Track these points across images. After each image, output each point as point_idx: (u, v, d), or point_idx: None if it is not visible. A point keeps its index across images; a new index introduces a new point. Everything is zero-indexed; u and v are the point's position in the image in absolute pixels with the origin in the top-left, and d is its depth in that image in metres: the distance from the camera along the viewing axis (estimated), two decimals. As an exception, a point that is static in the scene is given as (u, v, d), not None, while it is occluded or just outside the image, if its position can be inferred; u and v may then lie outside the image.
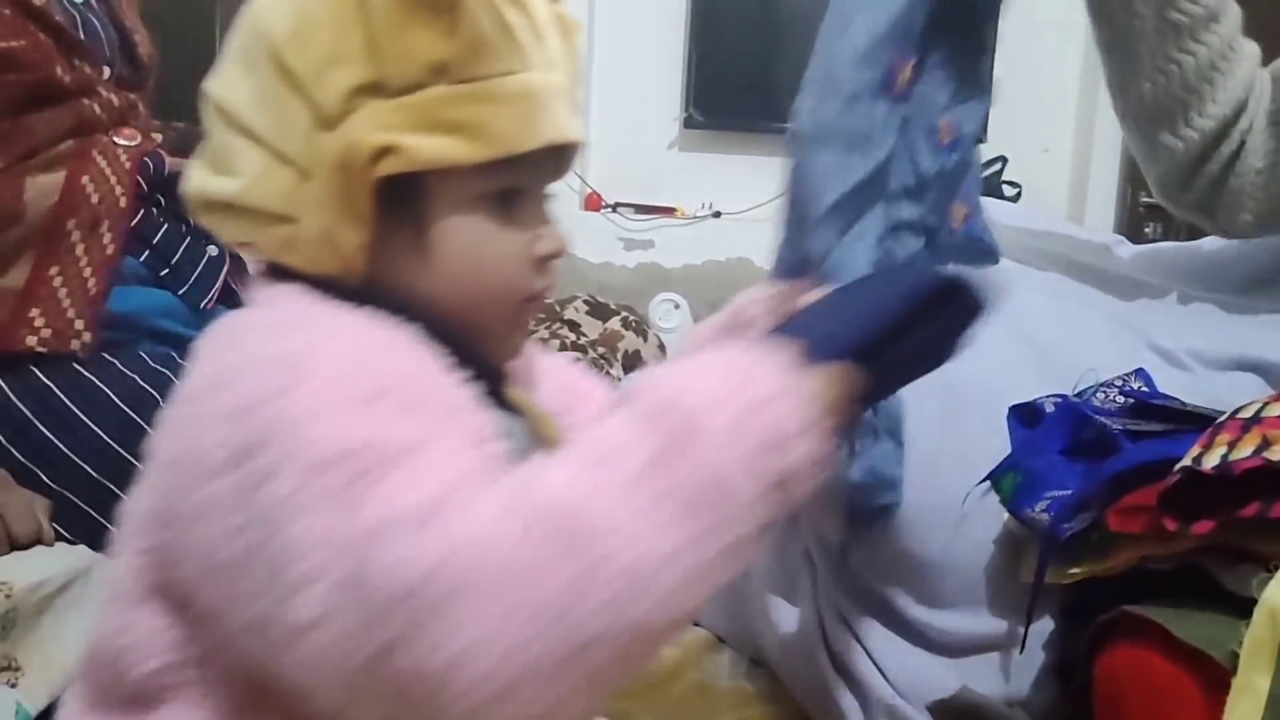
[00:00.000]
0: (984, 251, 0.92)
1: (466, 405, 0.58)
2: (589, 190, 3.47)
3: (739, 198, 3.48)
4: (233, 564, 0.52)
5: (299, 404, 0.53)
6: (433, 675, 0.47)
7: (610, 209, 3.50)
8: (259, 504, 0.51)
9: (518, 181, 0.64)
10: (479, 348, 0.65)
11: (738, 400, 0.53)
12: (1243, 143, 0.99)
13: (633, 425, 0.54)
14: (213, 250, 1.18)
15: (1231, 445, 0.72)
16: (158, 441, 0.59)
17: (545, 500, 0.51)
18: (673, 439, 0.52)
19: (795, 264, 0.86)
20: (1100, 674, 0.73)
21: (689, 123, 3.40)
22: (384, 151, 0.60)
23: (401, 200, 0.62)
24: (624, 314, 3.23)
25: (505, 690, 0.47)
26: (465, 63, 0.62)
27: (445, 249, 0.63)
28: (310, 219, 0.62)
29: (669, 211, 3.50)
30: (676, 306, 3.52)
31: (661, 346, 3.21)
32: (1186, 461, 0.72)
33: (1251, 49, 1.00)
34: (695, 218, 3.50)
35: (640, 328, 3.21)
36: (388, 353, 0.57)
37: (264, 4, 0.65)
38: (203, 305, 1.15)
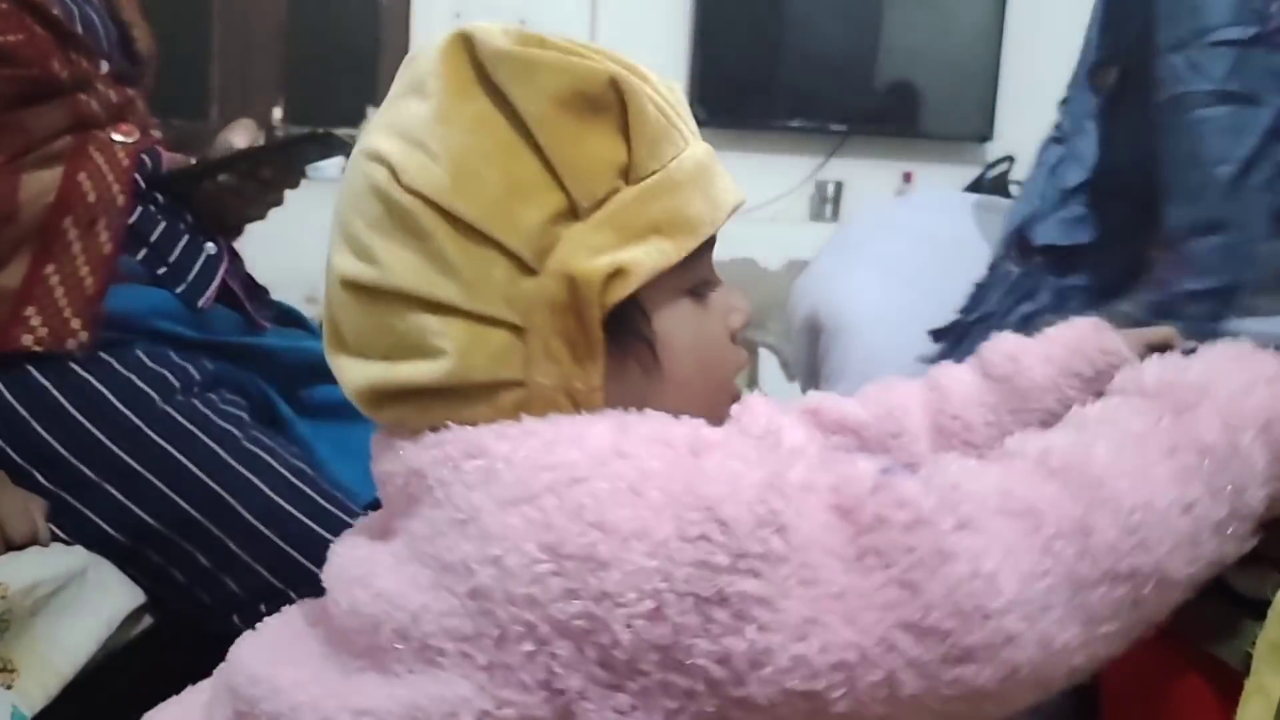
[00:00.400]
0: None
1: None
2: (593, 189, 3.47)
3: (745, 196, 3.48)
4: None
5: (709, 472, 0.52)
6: (959, 593, 0.48)
7: (614, 208, 3.49)
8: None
9: (701, 273, 0.62)
10: None
11: (1246, 371, 0.57)
12: None
13: (1131, 397, 0.57)
14: (210, 248, 1.18)
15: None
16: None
17: (1039, 450, 0.54)
18: (1181, 401, 0.56)
19: (1192, 225, 0.86)
20: (1108, 675, 0.72)
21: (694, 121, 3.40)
22: (612, 275, 0.56)
23: (621, 323, 0.58)
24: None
25: (1028, 611, 0.49)
26: (646, 157, 0.57)
27: (672, 356, 0.60)
28: (540, 375, 0.56)
29: (673, 211, 3.49)
30: (681, 307, 3.53)
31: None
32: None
33: None
34: (700, 217, 3.49)
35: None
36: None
37: (397, 159, 0.56)
38: (200, 304, 1.14)
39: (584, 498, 0.50)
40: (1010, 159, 3.33)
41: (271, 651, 0.61)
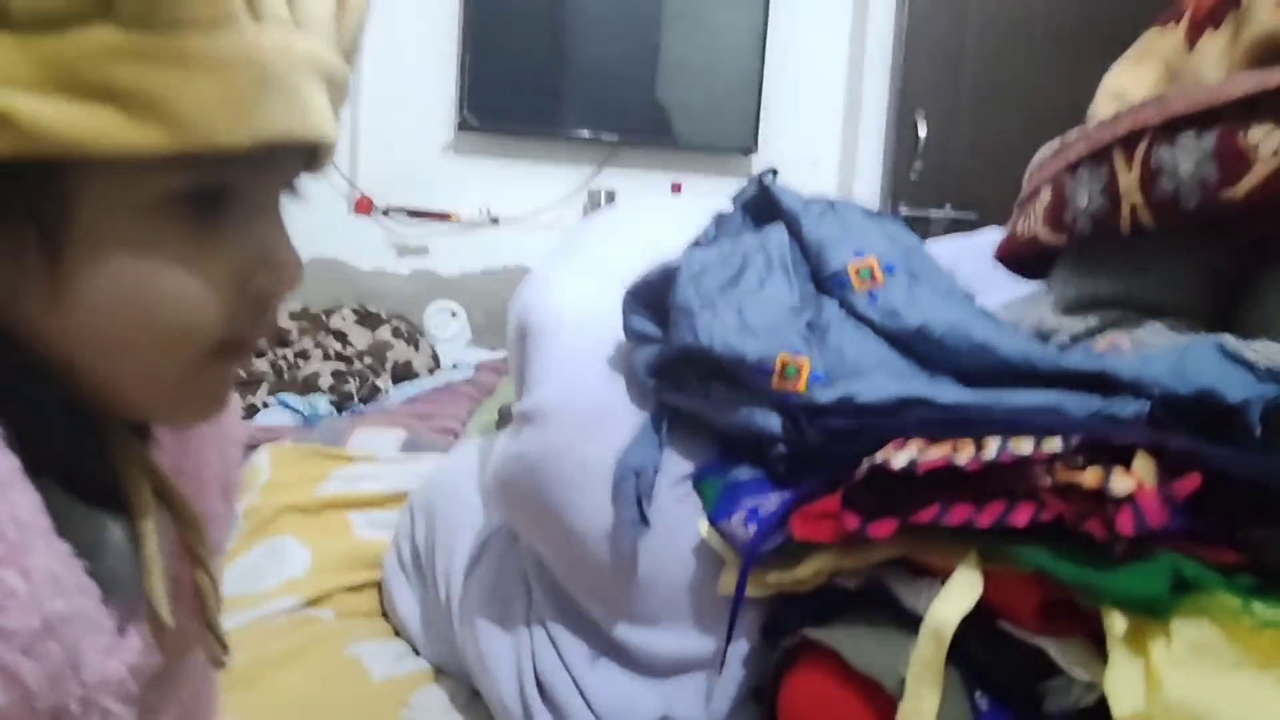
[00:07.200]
0: None
1: None
2: (359, 193, 3.32)
3: (517, 204, 3.43)
4: None
5: None
6: None
7: (382, 213, 3.36)
8: None
9: (225, 178, 0.45)
10: (105, 421, 0.49)
11: None
12: None
13: None
14: None
15: (922, 449, 0.70)
16: None
17: None
18: None
19: None
20: (783, 701, 0.70)
21: (463, 125, 3.31)
22: None
23: (22, 196, 0.42)
24: (394, 323, 3.11)
25: None
26: (142, 2, 0.40)
27: (95, 283, 0.43)
28: None
29: (444, 217, 3.40)
30: (453, 315, 3.43)
31: (435, 356, 3.11)
32: (876, 459, 0.69)
33: None
34: (472, 223, 3.42)
35: (412, 337, 3.10)
36: None
37: None
38: None
39: None
40: (774, 172, 3.41)
41: None
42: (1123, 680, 0.52)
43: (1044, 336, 0.89)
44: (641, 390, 0.88)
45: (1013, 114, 3.31)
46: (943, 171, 3.41)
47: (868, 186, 3.53)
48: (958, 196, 3.41)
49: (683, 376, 0.85)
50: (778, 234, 0.89)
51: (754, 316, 0.81)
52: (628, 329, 0.89)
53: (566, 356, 0.90)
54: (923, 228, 3.40)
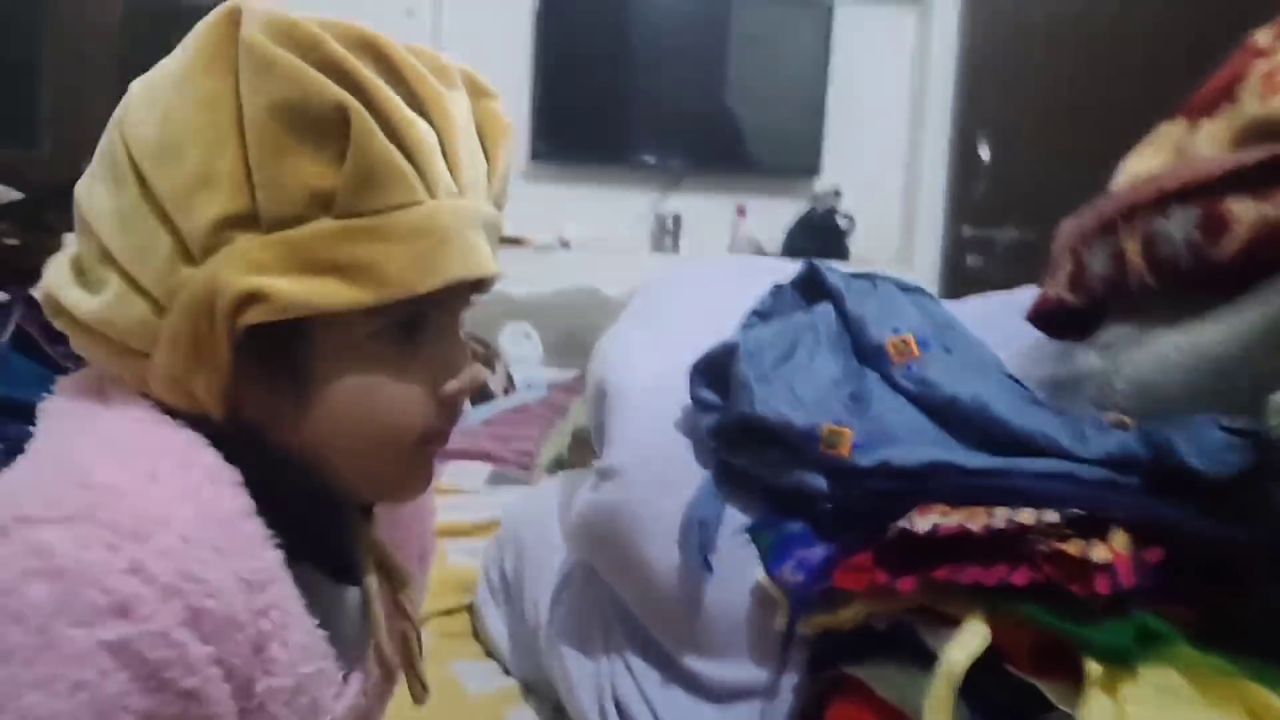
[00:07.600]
0: None
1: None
2: (437, 221, 3.49)
3: (586, 228, 3.56)
4: None
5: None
6: None
7: (459, 239, 3.52)
8: None
9: (419, 309, 0.59)
10: (346, 507, 0.62)
11: None
12: None
13: None
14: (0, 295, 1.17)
15: (944, 515, 0.82)
16: None
17: None
18: None
19: None
20: (829, 726, 0.82)
21: (535, 154, 3.46)
22: (250, 299, 0.54)
23: (276, 346, 0.56)
24: (471, 344, 3.26)
25: None
26: (354, 195, 0.54)
27: (331, 400, 0.58)
28: (161, 358, 0.55)
29: (517, 241, 3.55)
30: (527, 336, 3.57)
31: (510, 377, 3.25)
32: (903, 523, 0.81)
33: None
34: (544, 248, 3.56)
35: (488, 359, 3.25)
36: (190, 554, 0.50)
37: (135, 103, 0.56)
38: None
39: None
40: (838, 193, 3.51)
41: None
42: (1096, 716, 0.64)
43: (1087, 378, 0.98)
44: (705, 451, 1.01)
45: (1074, 135, 3.36)
46: (1005, 192, 3.47)
47: (930, 207, 3.61)
48: (1020, 216, 3.47)
49: (741, 440, 0.98)
50: (825, 312, 1.02)
51: (803, 390, 0.93)
52: (694, 397, 1.02)
53: (640, 420, 1.04)
54: (986, 248, 3.47)
